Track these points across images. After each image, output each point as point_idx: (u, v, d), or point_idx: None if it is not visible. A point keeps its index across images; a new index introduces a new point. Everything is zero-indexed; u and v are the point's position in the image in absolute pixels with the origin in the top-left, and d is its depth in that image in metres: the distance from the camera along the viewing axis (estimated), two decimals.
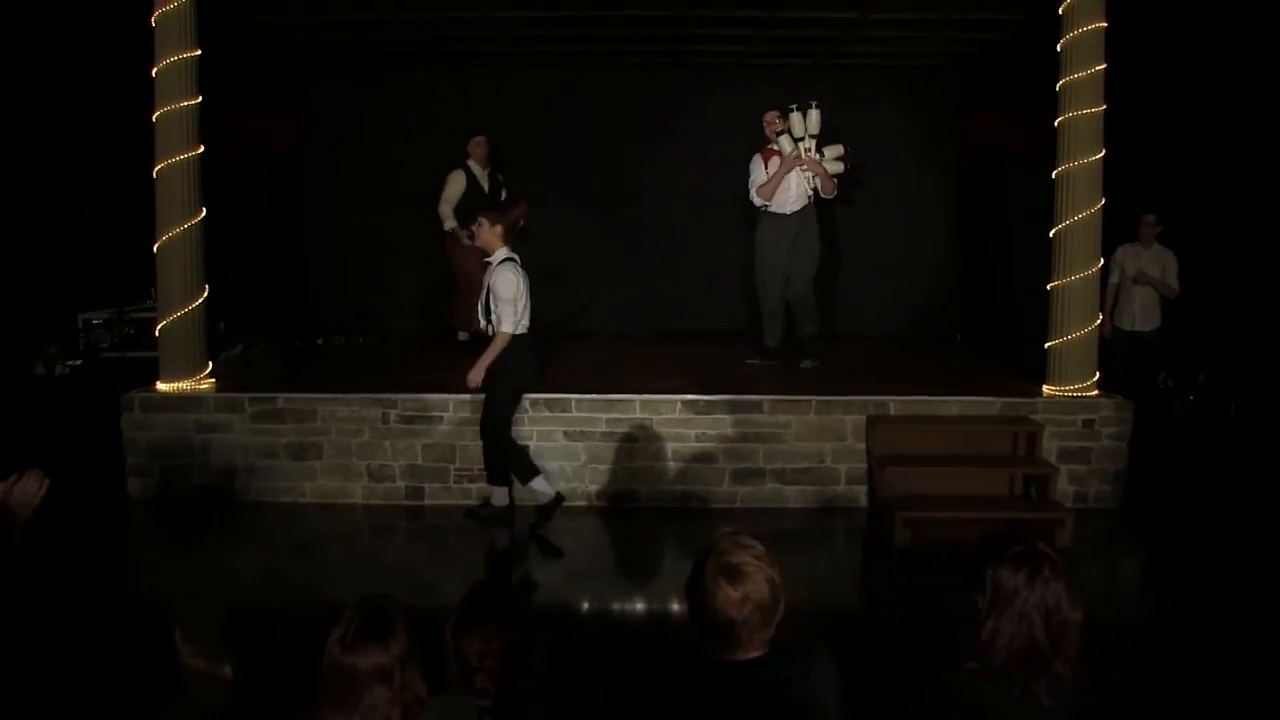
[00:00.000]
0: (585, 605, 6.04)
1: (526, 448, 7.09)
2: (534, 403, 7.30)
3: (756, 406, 7.33)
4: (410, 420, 7.34)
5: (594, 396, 7.37)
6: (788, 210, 8.25)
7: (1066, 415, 7.32)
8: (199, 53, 7.28)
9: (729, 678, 2.40)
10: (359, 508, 7.33)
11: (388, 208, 10.53)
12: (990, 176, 11.15)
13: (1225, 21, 9.40)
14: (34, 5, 9.39)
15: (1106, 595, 6.29)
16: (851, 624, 5.68)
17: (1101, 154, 7.25)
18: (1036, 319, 7.68)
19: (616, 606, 6.11)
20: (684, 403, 7.33)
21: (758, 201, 8.30)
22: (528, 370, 6.88)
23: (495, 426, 6.78)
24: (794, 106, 8.12)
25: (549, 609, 5.72)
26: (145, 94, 7.32)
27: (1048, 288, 7.50)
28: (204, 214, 7.46)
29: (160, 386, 7.51)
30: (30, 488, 2.91)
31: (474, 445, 7.06)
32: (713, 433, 7.31)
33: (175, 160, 7.26)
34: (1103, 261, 7.56)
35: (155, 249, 7.42)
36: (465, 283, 8.85)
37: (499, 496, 6.99)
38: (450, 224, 9.00)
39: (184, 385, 7.49)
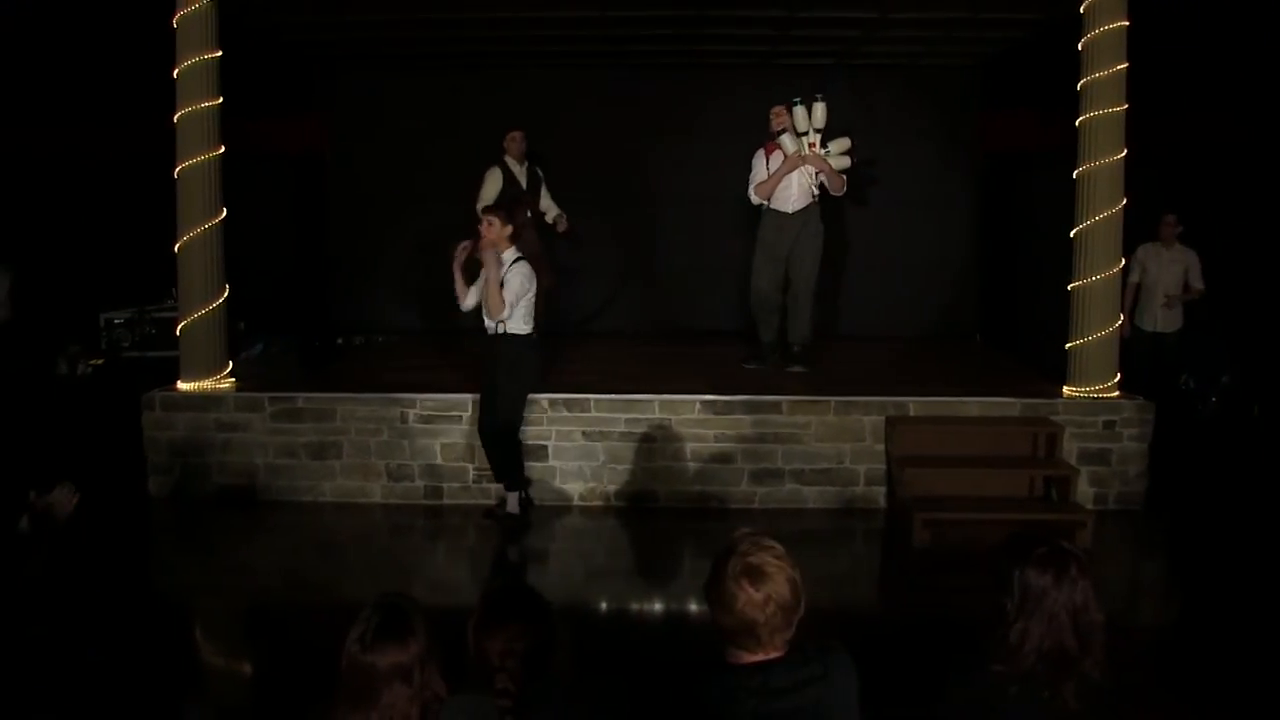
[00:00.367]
0: (604, 605, 6.04)
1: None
2: (553, 403, 7.31)
3: (775, 407, 7.31)
4: (429, 420, 7.35)
5: (613, 396, 7.37)
6: (789, 209, 8.09)
7: (1087, 416, 7.27)
8: (220, 54, 7.32)
9: (749, 678, 2.40)
10: (378, 507, 7.36)
11: (408, 207, 10.55)
12: (1011, 176, 11.08)
13: (1249, 16, 9.31)
14: (55, 13, 9.46)
15: (1127, 598, 6.24)
16: (871, 624, 5.66)
17: (1123, 154, 7.21)
18: (1057, 319, 7.63)
19: (635, 606, 6.11)
20: (703, 403, 7.32)
21: (755, 199, 8.17)
22: (535, 371, 6.92)
23: (505, 428, 6.81)
24: (797, 100, 7.93)
25: (568, 608, 5.70)
26: (166, 96, 7.36)
27: (1068, 288, 7.45)
28: (224, 214, 7.50)
29: (181, 386, 7.55)
30: (65, 497, 3.13)
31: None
32: (731, 433, 7.30)
33: (196, 160, 7.30)
34: (1124, 262, 7.52)
35: (176, 249, 7.46)
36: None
37: (512, 503, 6.98)
38: None
39: (204, 384, 7.53)
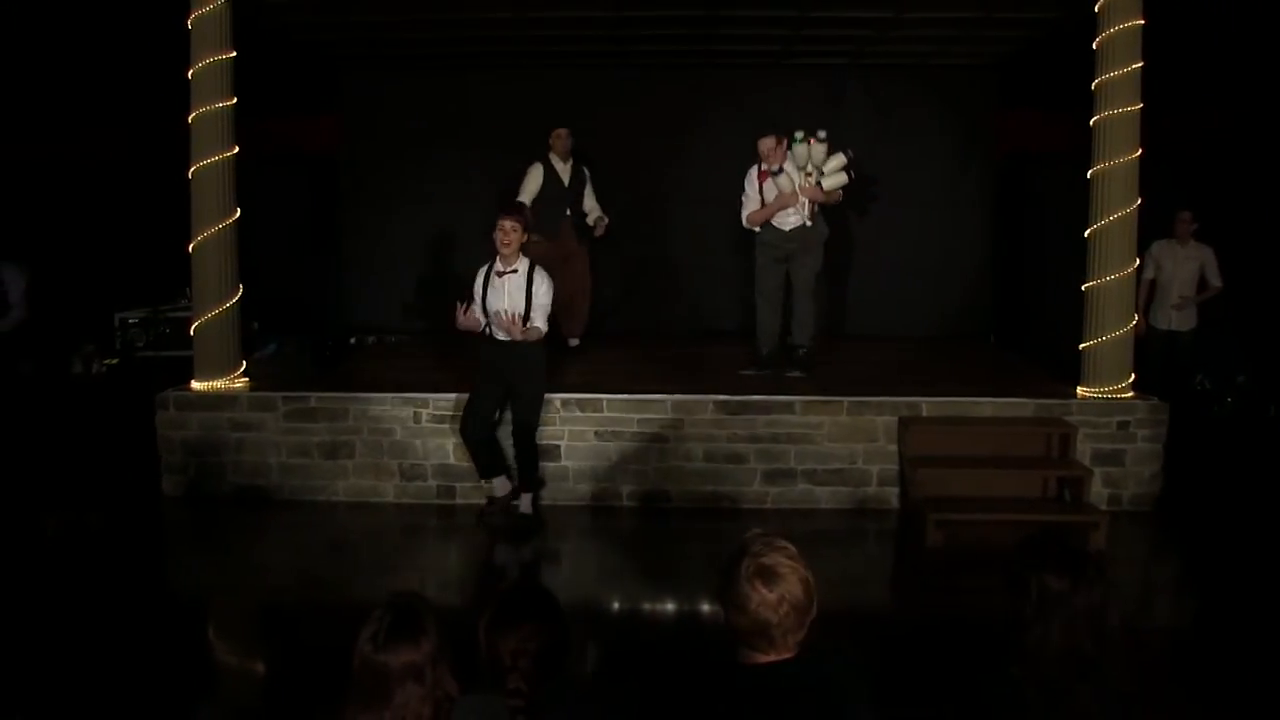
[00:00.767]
0: (616, 605, 6.04)
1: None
2: (565, 403, 7.31)
3: (788, 407, 7.30)
4: (442, 420, 7.36)
5: (625, 396, 7.37)
6: (787, 227, 7.91)
7: (1101, 417, 7.24)
8: (234, 54, 7.34)
9: (761, 679, 2.39)
10: (390, 506, 7.37)
11: (418, 206, 10.57)
12: (1026, 176, 11.04)
13: (1263, 12, 9.25)
14: (69, 17, 9.50)
15: (1141, 599, 6.21)
16: (883, 625, 5.65)
17: (1138, 153, 7.17)
18: (1071, 320, 7.60)
19: (647, 606, 6.11)
20: (715, 403, 7.31)
21: (747, 225, 8.00)
22: (546, 370, 6.93)
23: (525, 429, 6.82)
24: (800, 136, 7.60)
25: (580, 608, 5.70)
26: (180, 97, 7.39)
27: (1083, 288, 7.42)
28: (238, 214, 7.53)
29: (195, 385, 7.58)
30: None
31: (504, 445, 7.09)
32: (744, 433, 7.29)
33: (210, 161, 7.32)
34: (1138, 260, 7.49)
35: (190, 249, 7.49)
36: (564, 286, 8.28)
37: (525, 504, 6.99)
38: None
39: (218, 384, 7.56)
